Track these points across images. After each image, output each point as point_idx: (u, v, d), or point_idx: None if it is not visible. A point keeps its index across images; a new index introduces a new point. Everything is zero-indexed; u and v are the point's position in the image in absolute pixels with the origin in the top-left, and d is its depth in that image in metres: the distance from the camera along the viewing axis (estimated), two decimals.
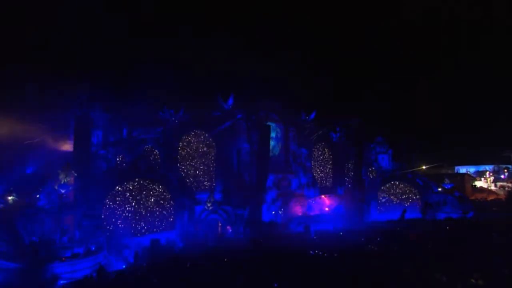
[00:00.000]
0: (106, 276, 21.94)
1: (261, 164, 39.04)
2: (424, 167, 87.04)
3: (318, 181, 47.04)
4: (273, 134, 45.32)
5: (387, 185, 46.76)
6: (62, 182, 26.49)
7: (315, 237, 32.68)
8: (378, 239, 31.07)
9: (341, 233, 34.17)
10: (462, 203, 46.68)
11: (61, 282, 22.44)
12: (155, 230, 32.97)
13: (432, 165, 74.87)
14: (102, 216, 29.88)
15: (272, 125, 45.42)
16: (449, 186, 49.93)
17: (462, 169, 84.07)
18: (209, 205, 35.53)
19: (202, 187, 40.66)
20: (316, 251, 26.19)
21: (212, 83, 42.99)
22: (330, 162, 48.59)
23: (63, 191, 26.44)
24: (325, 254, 25.72)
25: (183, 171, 40.02)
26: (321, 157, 48.52)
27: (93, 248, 25.70)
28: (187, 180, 39.89)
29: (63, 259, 23.47)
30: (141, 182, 33.00)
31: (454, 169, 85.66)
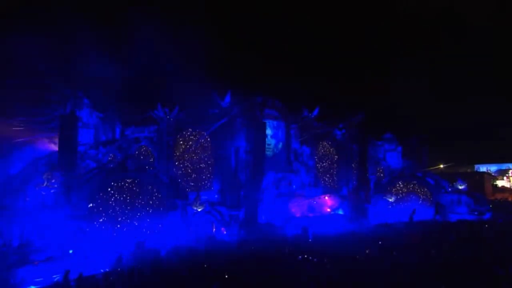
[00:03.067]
0: (74, 282, 20.72)
1: (256, 163, 37.29)
2: (442, 166, 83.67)
3: (322, 181, 44.84)
4: (272, 132, 43.59)
5: (396, 185, 44.15)
6: (44, 185, 25.63)
7: (310, 240, 30.72)
8: (380, 242, 28.87)
9: (341, 236, 32.15)
10: (478, 203, 43.58)
11: (31, 287, 21.43)
12: (144, 231, 31.68)
13: (448, 164, 71.24)
14: (86, 218, 28.81)
15: (273, 122, 43.71)
16: (462, 187, 46.77)
17: (483, 168, 79.83)
18: (197, 208, 33.92)
19: (198, 187, 39.28)
20: (305, 256, 24.29)
21: (209, 80, 41.33)
22: (335, 160, 46.26)
23: (44, 193, 25.56)
24: (315, 259, 23.80)
25: (178, 171, 38.78)
26: (326, 156, 46.29)
27: (71, 251, 24.65)
28: (183, 180, 38.64)
29: (36, 263, 22.47)
30: (130, 182, 31.83)
31: (474, 167, 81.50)
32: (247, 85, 41.68)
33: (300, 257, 24.49)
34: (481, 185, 64.47)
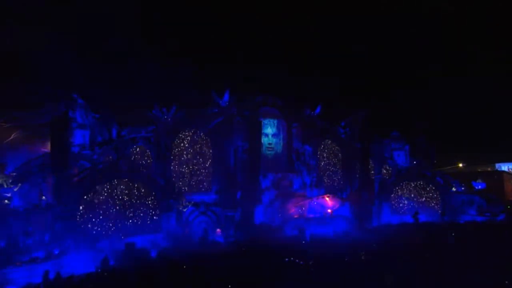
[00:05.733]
0: (54, 283, 20.58)
1: (252, 162, 36.49)
2: (460, 165, 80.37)
3: (324, 181, 43.49)
4: (273, 131, 42.73)
5: (402, 184, 42.35)
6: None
7: (304, 242, 29.67)
8: (374, 245, 27.56)
9: (337, 239, 31.01)
10: (491, 204, 41.27)
11: (12, 287, 21.44)
12: (137, 232, 31.42)
13: (464, 163, 68.01)
14: (77, 218, 28.80)
15: (273, 121, 42.84)
16: (479, 186, 44.44)
17: (504, 166, 75.77)
18: (185, 208, 33.52)
19: (196, 188, 38.88)
20: (292, 258, 23.37)
21: (209, 79, 40.93)
22: (338, 160, 44.85)
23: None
24: (301, 262, 22.85)
25: (176, 171, 38.43)
26: (328, 155, 44.92)
27: (56, 252, 24.61)
28: (180, 181, 38.31)
29: (18, 263, 22.48)
30: (122, 182, 31.67)
31: (494, 166, 77.60)
32: (247, 84, 40.87)
33: (286, 259, 23.60)
34: (500, 184, 61.12)
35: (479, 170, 73.67)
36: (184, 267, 22.10)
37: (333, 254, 24.53)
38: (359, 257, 23.80)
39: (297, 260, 23.38)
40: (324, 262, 22.63)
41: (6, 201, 27.79)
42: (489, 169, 77.36)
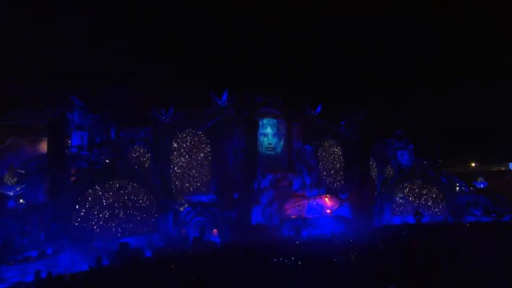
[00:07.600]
0: (45, 281, 20.87)
1: (249, 163, 36.37)
2: (473, 164, 78.43)
3: (325, 181, 43.05)
4: (273, 131, 42.51)
5: (404, 184, 41.53)
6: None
7: (298, 242, 29.34)
8: (367, 246, 27.00)
9: (333, 239, 30.54)
10: (497, 205, 40.16)
11: (4, 286, 21.82)
12: (133, 233, 31.71)
13: (474, 163, 66.32)
14: (73, 218, 29.20)
15: (273, 120, 42.63)
16: (481, 185, 43.25)
17: None
18: (182, 208, 33.66)
19: (195, 188, 39.03)
20: (280, 259, 23.12)
21: (208, 79, 41.01)
22: (339, 159, 44.33)
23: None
24: (289, 263, 22.58)
25: (174, 172, 38.63)
26: (329, 155, 44.46)
27: (50, 251, 24.98)
28: (179, 181, 38.50)
29: (11, 263, 22.90)
30: (119, 183, 31.98)
31: (508, 165, 75.43)
32: (247, 84, 40.81)
33: (275, 259, 23.36)
34: (511, 185, 59.31)
35: (492, 169, 71.81)
36: (173, 266, 22.05)
37: (324, 255, 24.12)
38: (350, 258, 23.32)
39: (285, 260, 23.12)
40: (313, 262, 22.27)
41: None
42: (502, 168, 75.31)
